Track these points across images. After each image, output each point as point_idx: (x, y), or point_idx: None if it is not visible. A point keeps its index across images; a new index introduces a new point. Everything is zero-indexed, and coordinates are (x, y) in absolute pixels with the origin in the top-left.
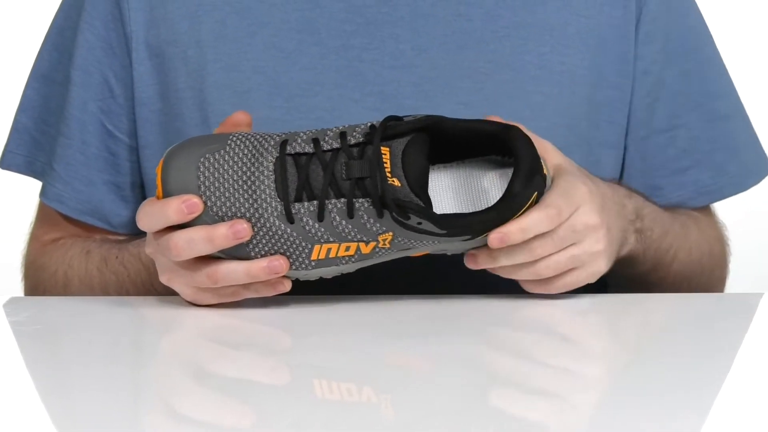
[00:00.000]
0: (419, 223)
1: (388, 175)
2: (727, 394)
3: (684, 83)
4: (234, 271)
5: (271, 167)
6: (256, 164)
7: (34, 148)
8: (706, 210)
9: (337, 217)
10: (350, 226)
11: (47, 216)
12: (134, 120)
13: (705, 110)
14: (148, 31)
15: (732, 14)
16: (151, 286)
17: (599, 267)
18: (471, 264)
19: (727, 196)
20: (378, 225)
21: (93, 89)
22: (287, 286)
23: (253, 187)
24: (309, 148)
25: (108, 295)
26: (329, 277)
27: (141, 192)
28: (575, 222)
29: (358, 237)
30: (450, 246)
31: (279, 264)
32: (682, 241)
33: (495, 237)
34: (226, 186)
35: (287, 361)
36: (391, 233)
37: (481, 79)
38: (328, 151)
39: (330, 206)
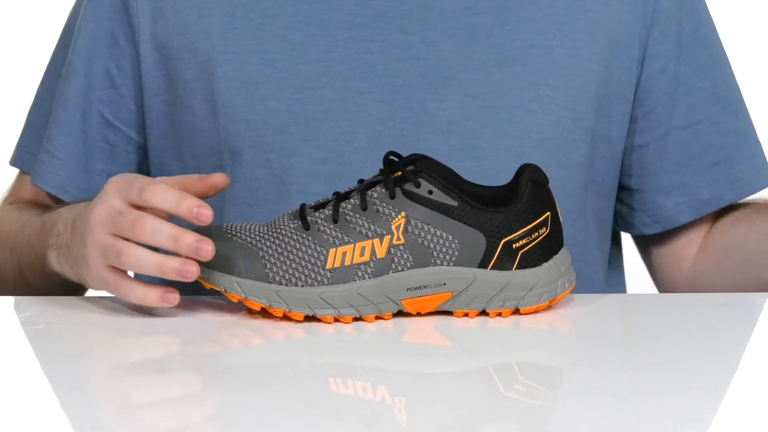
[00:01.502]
0: (430, 192)
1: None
2: (731, 395)
3: (700, 78)
4: (145, 260)
5: (290, 214)
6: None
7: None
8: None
9: (351, 213)
10: (363, 219)
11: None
12: (137, 111)
13: (727, 103)
14: (155, 22)
15: (731, 14)
16: (33, 249)
17: None
18: None
19: (762, 188)
20: (390, 208)
21: (94, 79)
22: (175, 298)
23: (273, 220)
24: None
25: (12, 248)
26: (346, 312)
27: None
28: None
29: (372, 229)
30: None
31: (190, 269)
32: None
33: None
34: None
35: (300, 359)
36: (403, 216)
37: (489, 71)
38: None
39: (344, 206)
